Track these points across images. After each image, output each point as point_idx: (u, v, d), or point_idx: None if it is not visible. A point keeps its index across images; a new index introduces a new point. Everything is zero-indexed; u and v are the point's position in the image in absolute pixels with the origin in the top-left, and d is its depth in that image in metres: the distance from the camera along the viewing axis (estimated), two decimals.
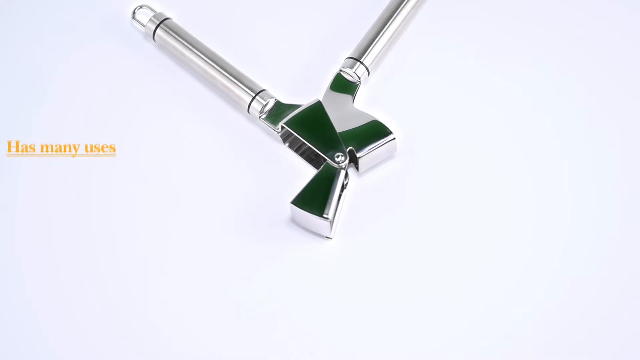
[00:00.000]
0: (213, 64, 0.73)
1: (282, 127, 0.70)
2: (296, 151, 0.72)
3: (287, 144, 0.72)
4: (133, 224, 0.69)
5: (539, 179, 0.70)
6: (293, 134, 0.70)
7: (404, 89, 0.74)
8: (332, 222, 0.67)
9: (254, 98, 0.71)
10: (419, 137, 0.71)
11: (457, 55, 0.75)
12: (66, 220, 0.68)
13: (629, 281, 0.66)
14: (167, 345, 0.64)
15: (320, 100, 0.71)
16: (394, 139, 0.69)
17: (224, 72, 0.73)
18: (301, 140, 0.70)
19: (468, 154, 0.71)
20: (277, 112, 0.71)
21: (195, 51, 0.74)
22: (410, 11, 0.75)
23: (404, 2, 0.74)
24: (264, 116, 0.71)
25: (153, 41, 0.76)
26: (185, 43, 0.74)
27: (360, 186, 0.70)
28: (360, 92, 0.73)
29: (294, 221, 0.68)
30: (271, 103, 0.72)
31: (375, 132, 0.69)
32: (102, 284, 0.66)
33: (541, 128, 0.72)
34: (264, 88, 0.72)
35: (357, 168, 0.70)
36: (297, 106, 0.71)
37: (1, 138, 0.71)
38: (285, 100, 0.72)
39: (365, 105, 0.72)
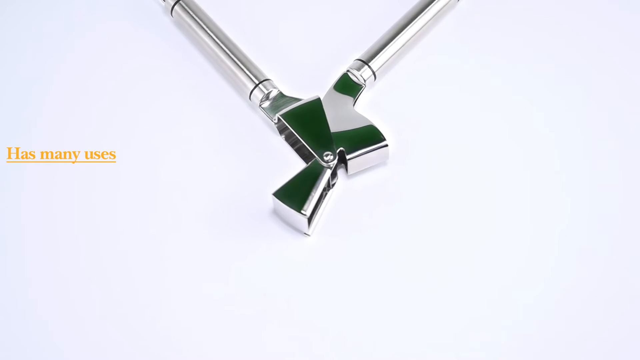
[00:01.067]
0: (223, 46, 0.74)
1: (279, 119, 0.70)
2: (292, 145, 0.72)
3: (283, 137, 0.72)
4: (123, 214, 0.69)
5: (536, 194, 0.69)
6: (288, 127, 0.70)
7: (409, 99, 0.73)
8: (310, 219, 0.67)
9: (256, 86, 0.72)
10: (415, 148, 0.71)
11: (469, 72, 0.74)
12: (69, 224, 0.68)
13: (625, 279, 0.65)
14: (145, 341, 0.64)
15: (321, 98, 0.71)
16: (387, 146, 0.68)
17: (232, 56, 0.73)
18: (295, 135, 0.70)
19: (462, 168, 0.70)
20: (277, 103, 0.71)
21: (208, 31, 0.74)
22: (427, 22, 0.74)
23: (422, 13, 0.74)
24: (264, 105, 0.72)
25: (171, 17, 0.77)
26: (200, 22, 0.75)
27: (348, 188, 0.70)
28: (365, 96, 0.73)
29: (275, 213, 0.69)
30: (274, 93, 0.72)
31: (368, 136, 0.69)
32: (93, 282, 0.66)
33: (544, 145, 0.71)
34: (268, 78, 0.72)
35: (346, 170, 0.70)
36: (299, 100, 0.71)
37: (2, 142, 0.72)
38: (291, 93, 0.72)
39: (367, 110, 0.72)
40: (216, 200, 0.69)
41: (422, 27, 0.74)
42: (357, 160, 0.68)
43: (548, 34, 0.76)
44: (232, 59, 0.73)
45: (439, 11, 0.75)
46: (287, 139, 0.72)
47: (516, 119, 0.72)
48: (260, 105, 0.72)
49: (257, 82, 0.72)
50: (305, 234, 0.68)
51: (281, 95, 0.72)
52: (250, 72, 0.72)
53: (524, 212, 0.68)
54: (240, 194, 0.69)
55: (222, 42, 0.74)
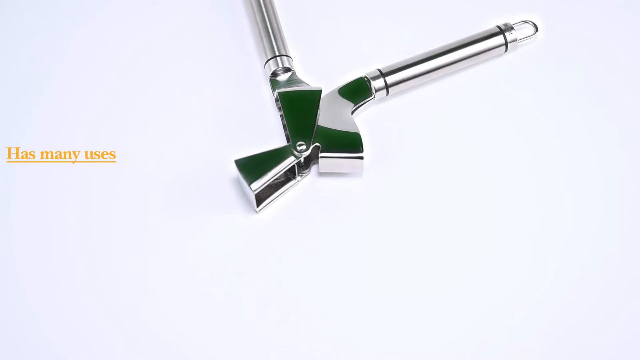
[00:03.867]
0: (264, 10, 0.74)
1: (277, 96, 0.71)
2: (284, 128, 0.71)
3: (280, 115, 0.72)
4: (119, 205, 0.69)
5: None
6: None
7: (412, 126, 0.72)
8: (260, 198, 0.67)
9: (274, 57, 0.72)
10: (399, 171, 0.70)
11: (486, 121, 0.72)
12: (65, 225, 0.68)
13: (631, 283, 0.65)
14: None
15: (326, 93, 0.71)
16: (361, 158, 0.68)
17: (266, 21, 0.74)
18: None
19: (439, 201, 0.69)
20: (287, 81, 0.72)
21: None
22: (462, 60, 0.72)
23: (461, 49, 0.72)
24: (273, 78, 0.72)
25: None
26: None
27: (320, 185, 0.70)
28: (371, 109, 0.72)
29: (237, 181, 0.69)
30: (288, 71, 0.72)
31: (348, 142, 0.68)
32: (94, 280, 0.66)
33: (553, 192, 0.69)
34: (290, 55, 0.73)
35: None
36: (307, 85, 0.71)
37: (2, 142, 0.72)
38: (308, 79, 0.73)
39: (367, 121, 0.71)
40: (192, 165, 0.70)
41: (455, 62, 0.72)
42: (329, 161, 0.68)
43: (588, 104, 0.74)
44: (266, 24, 0.74)
45: (479, 53, 0.73)
46: (282, 118, 0.72)
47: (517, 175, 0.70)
48: (270, 77, 0.72)
49: (276, 54, 0.72)
50: (255, 209, 0.68)
51: (294, 75, 0.72)
52: (275, 42, 0.73)
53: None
54: (217, 161, 0.70)
55: (265, 7, 0.74)
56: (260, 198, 0.68)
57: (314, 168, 0.70)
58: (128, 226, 0.68)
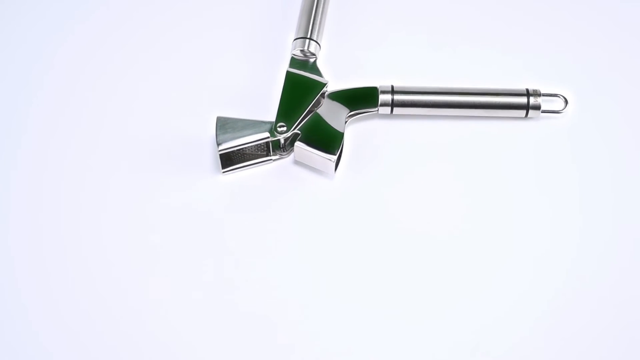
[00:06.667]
0: None
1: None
2: None
3: None
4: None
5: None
6: None
7: (411, 152, 0.71)
8: (226, 160, 0.69)
9: (304, 38, 0.73)
10: (372, 190, 0.70)
11: (476, 176, 0.71)
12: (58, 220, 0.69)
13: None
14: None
15: (335, 89, 0.71)
16: (331, 161, 0.68)
17: (314, 2, 0.74)
18: None
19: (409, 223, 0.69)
20: (305, 65, 0.72)
21: None
22: (472, 105, 0.71)
23: (475, 95, 0.71)
24: (295, 57, 0.73)
25: None
26: None
27: (288, 171, 0.70)
28: (376, 122, 0.72)
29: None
30: (312, 55, 0.73)
31: (327, 140, 0.68)
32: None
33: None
34: (319, 42, 0.73)
35: None
36: (320, 74, 0.72)
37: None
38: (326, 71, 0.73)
39: (368, 132, 0.72)
40: (186, 125, 0.72)
41: (466, 105, 0.71)
42: (302, 152, 0.68)
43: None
44: (312, 5, 0.74)
45: (495, 106, 0.71)
46: None
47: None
48: (292, 54, 0.73)
49: (307, 36, 0.73)
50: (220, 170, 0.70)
51: (315, 62, 0.73)
52: (312, 25, 0.73)
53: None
54: (209, 123, 0.71)
55: None
56: (228, 160, 0.69)
57: (293, 155, 0.71)
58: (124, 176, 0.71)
